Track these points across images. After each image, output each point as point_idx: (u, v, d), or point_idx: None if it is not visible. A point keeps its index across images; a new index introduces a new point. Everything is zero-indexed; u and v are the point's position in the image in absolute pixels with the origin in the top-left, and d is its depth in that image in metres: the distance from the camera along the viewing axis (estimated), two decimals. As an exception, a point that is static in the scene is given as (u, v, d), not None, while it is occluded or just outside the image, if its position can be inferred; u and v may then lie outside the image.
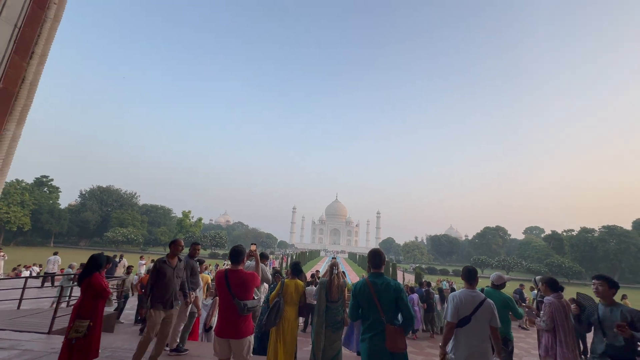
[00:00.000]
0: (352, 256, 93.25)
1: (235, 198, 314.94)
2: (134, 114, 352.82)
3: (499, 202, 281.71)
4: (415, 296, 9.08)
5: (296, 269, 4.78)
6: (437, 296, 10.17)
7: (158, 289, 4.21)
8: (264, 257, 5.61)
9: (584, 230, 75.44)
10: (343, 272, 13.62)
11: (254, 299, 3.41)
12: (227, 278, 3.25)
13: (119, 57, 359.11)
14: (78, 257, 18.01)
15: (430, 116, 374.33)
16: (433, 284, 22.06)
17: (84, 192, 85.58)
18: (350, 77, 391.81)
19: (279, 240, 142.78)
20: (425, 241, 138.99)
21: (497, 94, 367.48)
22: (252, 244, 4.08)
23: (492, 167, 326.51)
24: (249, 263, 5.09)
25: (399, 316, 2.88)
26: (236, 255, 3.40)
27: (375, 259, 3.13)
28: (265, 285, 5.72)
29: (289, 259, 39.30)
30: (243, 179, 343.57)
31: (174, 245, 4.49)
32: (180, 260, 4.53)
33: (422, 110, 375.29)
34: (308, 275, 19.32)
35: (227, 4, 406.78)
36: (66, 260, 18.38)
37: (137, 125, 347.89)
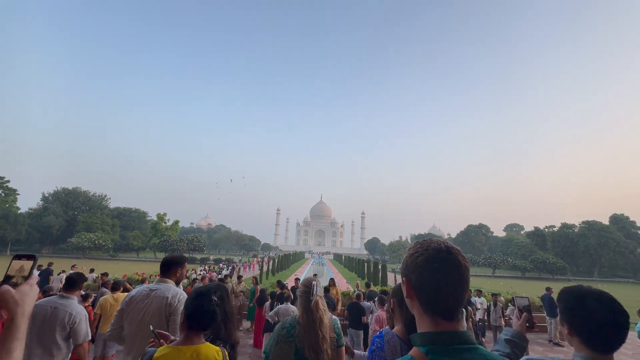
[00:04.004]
0: (337, 257, 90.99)
1: (218, 201, 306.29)
2: (109, 113, 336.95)
3: (478, 201, 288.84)
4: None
5: (197, 317, 1.62)
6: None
7: None
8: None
9: (565, 226, 76.68)
10: (331, 282, 10.86)
11: None
12: None
13: (88, 57, 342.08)
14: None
15: (412, 118, 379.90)
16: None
17: (47, 195, 78.81)
18: (334, 78, 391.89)
19: (262, 243, 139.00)
20: (409, 240, 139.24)
21: (480, 96, 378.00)
22: None
23: (472, 167, 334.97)
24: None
25: None
26: None
27: (444, 291, 0.88)
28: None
29: (272, 262, 36.33)
30: (226, 181, 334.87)
31: None
32: None
33: (405, 112, 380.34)
34: (290, 282, 16.64)
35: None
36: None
37: (115, 127, 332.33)
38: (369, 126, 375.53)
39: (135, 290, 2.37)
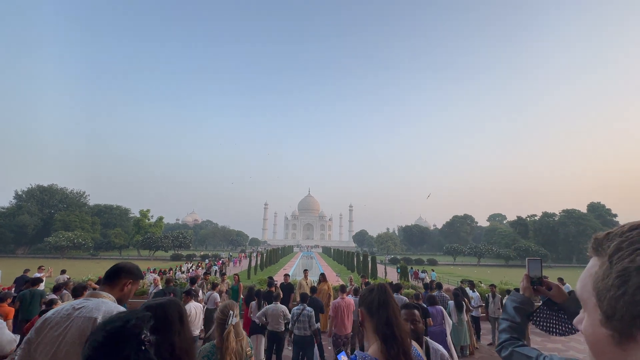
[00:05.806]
0: (326, 250, 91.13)
1: (205, 196, 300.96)
2: (87, 108, 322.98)
3: (462, 192, 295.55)
4: (438, 309, 5.77)
5: None
6: (451, 302, 7.41)
7: None
8: None
9: (546, 215, 79.20)
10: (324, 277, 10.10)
11: None
12: None
13: (67, 52, 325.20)
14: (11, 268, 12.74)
15: (398, 113, 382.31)
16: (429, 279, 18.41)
17: (20, 193, 74.88)
18: (320, 72, 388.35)
19: (250, 238, 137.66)
20: (397, 232, 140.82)
21: (464, 89, 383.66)
22: None
23: (456, 158, 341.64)
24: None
25: None
26: None
27: None
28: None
29: (260, 257, 35.68)
30: (213, 177, 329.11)
31: None
32: None
33: (391, 107, 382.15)
34: (279, 278, 16.07)
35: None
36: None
37: (95, 122, 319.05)
38: (356, 120, 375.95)
39: (54, 310, 1.61)
